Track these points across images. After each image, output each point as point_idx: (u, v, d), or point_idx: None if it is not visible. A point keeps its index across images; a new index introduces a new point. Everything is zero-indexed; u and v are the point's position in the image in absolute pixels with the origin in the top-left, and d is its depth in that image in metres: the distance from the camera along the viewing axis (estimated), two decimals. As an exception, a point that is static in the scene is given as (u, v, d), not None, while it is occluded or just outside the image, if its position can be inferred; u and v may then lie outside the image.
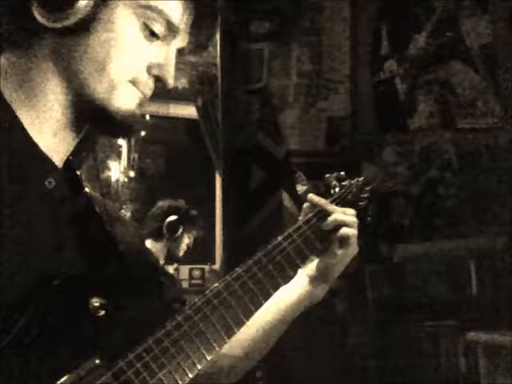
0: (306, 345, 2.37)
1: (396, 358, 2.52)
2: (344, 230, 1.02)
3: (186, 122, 4.52)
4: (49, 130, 0.80)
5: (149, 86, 0.83)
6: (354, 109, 2.75)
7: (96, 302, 0.71)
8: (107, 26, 0.77)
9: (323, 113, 2.75)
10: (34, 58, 0.79)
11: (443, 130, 2.70)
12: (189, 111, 4.22)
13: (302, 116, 2.74)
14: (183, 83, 4.06)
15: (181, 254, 3.20)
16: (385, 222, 2.58)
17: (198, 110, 3.97)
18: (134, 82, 0.81)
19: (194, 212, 3.23)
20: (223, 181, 2.80)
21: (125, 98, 0.80)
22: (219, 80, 2.79)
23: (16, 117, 0.78)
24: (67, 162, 0.85)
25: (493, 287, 2.51)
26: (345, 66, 2.77)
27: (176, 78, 0.82)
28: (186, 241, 3.18)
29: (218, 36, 2.79)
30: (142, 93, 0.82)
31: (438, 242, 2.64)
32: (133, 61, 0.80)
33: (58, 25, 0.76)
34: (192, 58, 3.89)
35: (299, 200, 2.49)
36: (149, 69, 0.81)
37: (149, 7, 0.79)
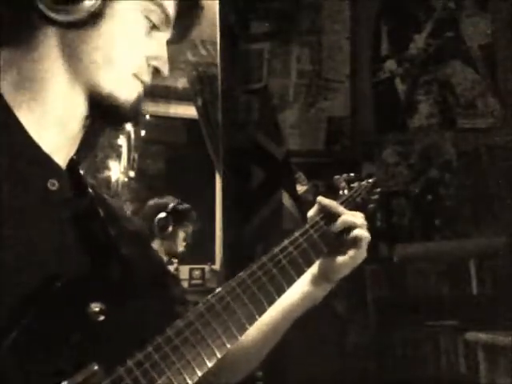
0: (306, 345, 2.37)
1: (396, 358, 2.52)
2: (356, 232, 1.00)
3: (186, 122, 4.52)
4: (52, 130, 0.79)
5: (148, 76, 0.85)
6: (353, 109, 2.75)
7: (96, 306, 0.70)
8: (113, 21, 0.79)
9: (323, 113, 2.75)
10: (37, 54, 0.78)
11: (443, 129, 2.70)
12: (189, 111, 4.21)
13: (302, 116, 2.74)
14: (183, 83, 4.06)
15: (179, 249, 3.18)
16: (385, 222, 2.58)
17: (198, 109, 3.97)
18: (136, 75, 0.83)
19: (183, 206, 3.17)
20: (223, 181, 2.80)
21: (130, 90, 0.82)
22: (219, 80, 2.79)
23: (16, 117, 0.77)
24: (71, 162, 0.84)
25: (493, 287, 2.51)
26: (345, 66, 2.77)
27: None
28: (182, 235, 3.16)
29: (218, 36, 2.79)
30: (143, 83, 0.84)
31: (438, 242, 2.64)
32: (136, 53, 0.82)
33: (68, 18, 0.76)
34: (192, 58, 3.89)
35: (299, 200, 2.50)
36: (148, 60, 0.84)
37: (153, 1, 0.82)
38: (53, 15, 0.76)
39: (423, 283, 2.60)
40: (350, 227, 1.01)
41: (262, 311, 0.85)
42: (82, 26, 0.78)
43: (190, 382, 0.73)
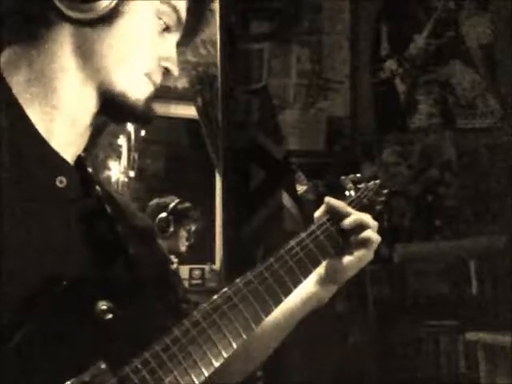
0: (306, 345, 2.37)
1: (396, 358, 2.52)
2: (368, 233, 0.99)
3: (186, 121, 4.52)
4: (62, 126, 0.80)
5: (159, 77, 0.86)
6: (353, 109, 2.75)
7: (103, 305, 0.70)
8: (128, 20, 0.80)
9: (323, 113, 2.75)
10: (50, 50, 0.78)
11: (443, 129, 2.70)
12: (189, 111, 4.21)
13: (302, 116, 2.74)
14: (183, 83, 4.06)
15: (182, 249, 3.18)
16: (385, 222, 2.57)
17: (198, 109, 3.97)
18: (148, 75, 0.84)
19: (184, 205, 3.17)
20: (223, 181, 2.80)
21: (141, 90, 0.83)
22: (219, 80, 2.79)
23: (24, 113, 0.77)
24: (78, 159, 0.84)
25: (493, 287, 2.51)
26: (345, 66, 2.77)
27: (176, 78, 0.85)
28: (184, 235, 3.16)
29: (218, 36, 2.79)
30: (154, 84, 0.85)
31: (438, 242, 2.64)
32: (149, 54, 0.83)
33: (85, 16, 0.77)
34: (192, 58, 3.89)
35: (299, 200, 2.51)
36: (159, 60, 0.85)
37: (166, 2, 0.83)
38: (70, 13, 0.77)
39: (423, 283, 2.60)
40: (361, 226, 1.00)
41: (268, 311, 0.85)
42: (98, 24, 0.78)
43: (197, 381, 0.73)
